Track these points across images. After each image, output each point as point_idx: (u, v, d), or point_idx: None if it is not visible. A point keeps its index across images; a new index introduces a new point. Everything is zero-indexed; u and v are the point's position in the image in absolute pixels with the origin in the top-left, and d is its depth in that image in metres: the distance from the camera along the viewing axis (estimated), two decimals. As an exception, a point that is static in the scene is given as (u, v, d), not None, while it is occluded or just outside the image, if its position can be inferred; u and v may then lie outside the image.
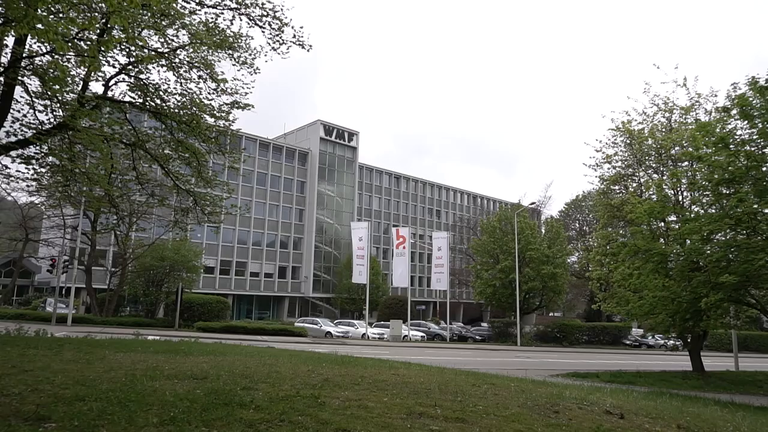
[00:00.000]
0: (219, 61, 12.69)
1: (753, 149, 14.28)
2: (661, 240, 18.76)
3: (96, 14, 10.71)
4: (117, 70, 11.83)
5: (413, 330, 38.55)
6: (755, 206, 13.97)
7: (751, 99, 14.40)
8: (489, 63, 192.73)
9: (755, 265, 12.31)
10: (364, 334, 36.01)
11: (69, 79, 11.20)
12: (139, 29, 11.24)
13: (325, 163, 57.83)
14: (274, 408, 4.77)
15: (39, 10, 8.87)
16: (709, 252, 14.28)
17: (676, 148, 21.38)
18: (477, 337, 40.77)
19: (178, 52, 12.19)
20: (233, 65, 12.91)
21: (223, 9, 12.18)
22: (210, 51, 12.40)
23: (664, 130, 22.87)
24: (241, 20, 12.39)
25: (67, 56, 11.12)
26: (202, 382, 6.05)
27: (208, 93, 13.03)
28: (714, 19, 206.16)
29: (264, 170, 53.59)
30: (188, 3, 11.89)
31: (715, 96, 21.10)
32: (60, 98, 11.08)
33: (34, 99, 12.75)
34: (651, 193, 20.74)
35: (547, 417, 5.56)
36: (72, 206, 29.61)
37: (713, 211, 14.96)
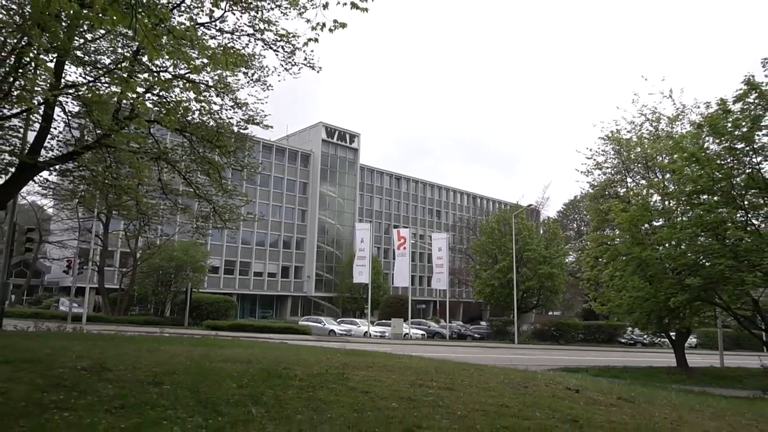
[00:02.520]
0: (241, 88, 14.46)
1: (722, 163, 16.12)
2: (647, 242, 20.61)
3: (127, 51, 12.63)
4: (144, 90, 13.68)
5: (414, 328, 40.48)
6: (724, 214, 15.83)
7: (721, 119, 16.22)
8: (489, 65, 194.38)
9: (716, 269, 14.18)
10: (366, 332, 37.92)
11: (107, 101, 13.04)
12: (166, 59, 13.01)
13: (327, 165, 59.73)
14: (313, 380, 6.65)
15: (76, 40, 10.65)
16: (683, 255, 16.14)
17: (661, 156, 23.22)
18: (476, 335, 42.71)
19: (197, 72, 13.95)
20: (248, 82, 14.70)
21: (241, 34, 13.98)
22: (226, 70, 14.14)
23: (651, 138, 24.71)
24: (256, 44, 14.15)
25: (104, 83, 13.02)
26: (250, 365, 7.92)
27: (226, 110, 14.82)
28: (716, 18, 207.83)
29: (267, 171, 55.42)
30: (209, 30, 13.70)
31: (698, 107, 23.01)
32: (99, 119, 12.89)
33: (70, 118, 14.63)
34: (639, 198, 22.59)
35: (518, 390, 7.44)
36: (87, 210, 31.51)
37: (686, 218, 16.82)
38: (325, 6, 6.62)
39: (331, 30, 8.19)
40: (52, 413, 4.09)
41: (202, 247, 38.55)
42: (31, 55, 11.55)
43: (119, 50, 13.02)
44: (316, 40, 9.76)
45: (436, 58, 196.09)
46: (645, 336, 37.23)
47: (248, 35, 13.91)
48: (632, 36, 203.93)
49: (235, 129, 15.02)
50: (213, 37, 13.76)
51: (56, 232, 35.48)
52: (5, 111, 14.04)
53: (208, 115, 14.54)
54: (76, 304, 34.51)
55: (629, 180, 25.75)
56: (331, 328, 37.52)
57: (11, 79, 12.62)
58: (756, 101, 15.60)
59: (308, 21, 10.25)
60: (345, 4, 6.39)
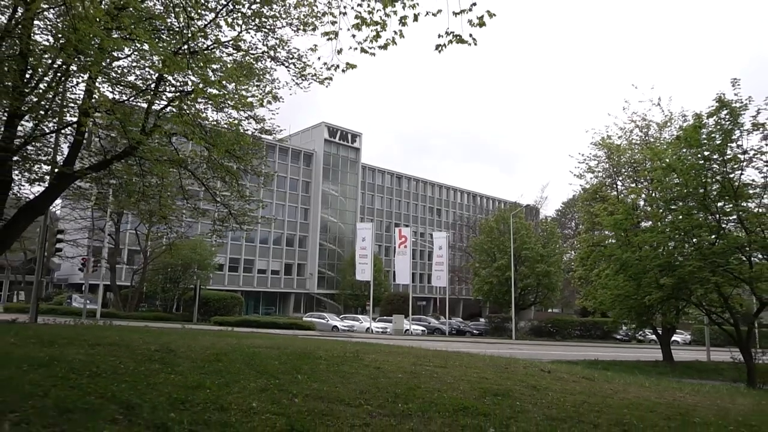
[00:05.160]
0: (259, 107, 16.23)
1: (697, 173, 17.96)
2: (631, 243, 22.46)
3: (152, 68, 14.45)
4: (165, 103, 15.52)
5: (414, 324, 42.49)
6: (700, 219, 17.69)
7: (696, 132, 18.04)
8: (491, 64, 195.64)
9: (686, 270, 16.07)
10: (368, 328, 39.92)
11: (136, 115, 14.89)
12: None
13: (329, 164, 61.69)
14: (335, 359, 8.57)
15: (107, 59, 12.41)
16: (659, 257, 18.01)
17: (649, 162, 25.08)
18: (474, 331, 44.72)
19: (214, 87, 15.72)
20: (259, 94, 16.48)
21: (255, 53, 15.75)
22: (239, 82, 15.88)
23: (641, 143, 26.59)
24: (268, 61, 15.90)
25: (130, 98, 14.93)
26: (280, 350, 9.83)
27: (240, 121, 16.62)
28: (716, 17, 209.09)
29: (265, 166, 57.36)
30: (226, 48, 15.49)
31: (685, 116, 24.89)
32: (128, 132, 14.70)
33: (101, 130, 16.50)
34: (626, 203, 24.46)
35: (499, 370, 9.36)
36: (100, 209, 33.39)
37: (662, 223, 18.69)
38: (339, 51, 8.44)
39: (343, 71, 9.99)
40: (164, 375, 5.99)
41: (208, 245, 40.44)
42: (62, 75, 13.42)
43: (146, 68, 14.89)
44: (331, 78, 11.67)
45: (439, 59, 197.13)
46: (630, 331, 39.35)
47: (262, 53, 15.68)
48: (630, 42, 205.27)
49: (251, 139, 16.93)
50: (229, 54, 15.58)
51: (69, 232, 37.39)
52: (45, 127, 15.96)
53: (227, 122, 16.35)
54: (89, 300, 36.45)
55: (619, 184, 27.65)
56: (335, 324, 39.51)
57: (51, 95, 14.55)
58: (727, 117, 17.47)
59: (325, 63, 12.18)
60: (356, 48, 8.20)
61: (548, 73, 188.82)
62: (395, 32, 7.66)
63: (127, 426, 3.81)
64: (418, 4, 7.36)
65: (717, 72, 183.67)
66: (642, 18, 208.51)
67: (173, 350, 8.47)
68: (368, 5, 7.28)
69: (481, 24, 7.06)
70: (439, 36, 7.19)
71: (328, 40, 7.93)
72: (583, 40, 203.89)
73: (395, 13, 7.30)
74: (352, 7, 7.40)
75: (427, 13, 7.03)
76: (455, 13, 6.77)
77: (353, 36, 7.85)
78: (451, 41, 7.28)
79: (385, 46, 7.85)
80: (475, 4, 6.96)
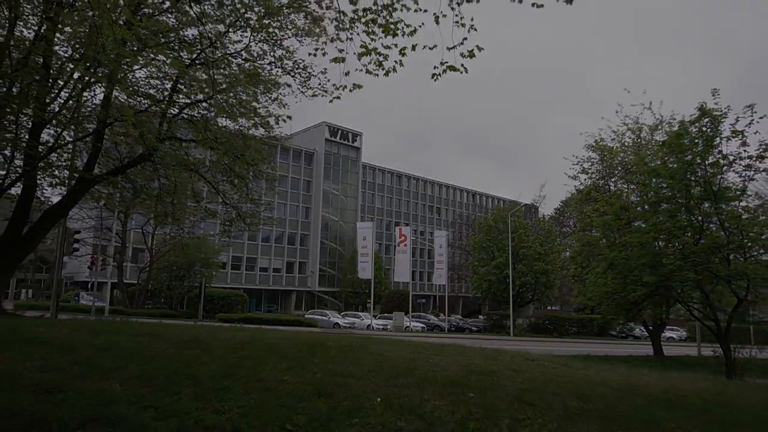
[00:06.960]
0: (269, 116, 17.52)
1: (681, 177, 19.28)
2: (619, 242, 23.76)
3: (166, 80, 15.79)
4: (177, 110, 16.84)
5: (414, 321, 43.99)
6: (684, 219, 19.03)
7: (680, 138, 19.38)
8: (491, 64, 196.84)
9: (668, 268, 17.42)
10: (369, 325, 41.37)
11: (152, 124, 16.23)
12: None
13: (330, 163, 63.12)
14: (344, 348, 9.93)
15: (123, 68, 13.69)
16: (644, 256, 19.35)
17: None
18: (473, 328, 46.18)
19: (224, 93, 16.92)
20: (266, 102, 17.74)
21: (263, 63, 17.01)
22: (246, 89, 17.11)
23: (633, 146, 27.96)
24: (276, 70, 17.15)
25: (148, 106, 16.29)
26: (294, 341, 11.16)
27: (249, 128, 17.93)
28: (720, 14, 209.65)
29: (272, 170, 58.76)
30: (236, 58, 16.76)
31: (674, 119, 26.27)
32: (146, 140, 16.00)
33: (117, 137, 17.83)
34: (615, 204, 25.78)
35: (488, 358, 10.71)
36: (108, 209, 34.75)
37: (649, 225, 20.02)
38: (347, 74, 9.70)
39: (350, 90, 11.27)
40: (206, 357, 7.34)
41: (213, 244, 41.83)
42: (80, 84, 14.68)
43: (161, 78, 16.21)
44: (339, 97, 12.98)
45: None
46: (619, 326, 40.82)
47: (270, 63, 16.91)
48: (629, 41, 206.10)
49: (259, 144, 18.34)
50: (239, 65, 16.83)
51: (83, 231, 38.73)
52: (67, 135, 17.30)
53: (236, 129, 17.64)
54: (96, 298, 37.85)
55: (611, 185, 29.03)
56: (336, 321, 40.96)
57: (72, 103, 15.87)
58: (708, 124, 18.82)
59: (334, 84, 13.42)
60: (361, 70, 9.44)
61: (548, 72, 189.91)
62: (396, 62, 8.91)
63: (197, 388, 5.16)
64: (415, 33, 8.61)
65: (716, 68, 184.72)
66: (643, 18, 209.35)
67: (202, 340, 9.80)
68: (372, 37, 8.50)
69: (471, 56, 8.34)
70: (435, 67, 8.45)
71: (335, 63, 9.20)
72: (583, 39, 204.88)
73: (396, 45, 8.57)
74: (357, 34, 8.67)
75: (424, 47, 8.27)
76: (448, 48, 8.04)
77: (359, 59, 9.09)
78: (445, 71, 8.56)
79: (387, 73, 9.12)
80: (466, 38, 8.25)
